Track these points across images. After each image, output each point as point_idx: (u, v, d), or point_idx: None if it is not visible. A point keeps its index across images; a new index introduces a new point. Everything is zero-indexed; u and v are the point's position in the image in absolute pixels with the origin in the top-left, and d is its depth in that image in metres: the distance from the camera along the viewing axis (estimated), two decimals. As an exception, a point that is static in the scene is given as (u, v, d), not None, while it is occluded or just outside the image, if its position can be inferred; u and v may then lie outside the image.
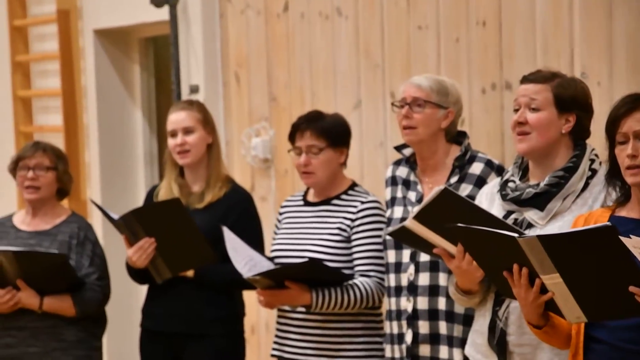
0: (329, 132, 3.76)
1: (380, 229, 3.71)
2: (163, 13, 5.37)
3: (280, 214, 3.95)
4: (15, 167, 4.17)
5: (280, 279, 3.64)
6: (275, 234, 3.93)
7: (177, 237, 3.89)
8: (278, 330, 3.85)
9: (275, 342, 3.86)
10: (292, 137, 3.80)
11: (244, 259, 3.70)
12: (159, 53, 6.15)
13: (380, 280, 3.68)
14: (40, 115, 6.57)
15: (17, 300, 4.02)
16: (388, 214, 3.63)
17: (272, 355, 3.89)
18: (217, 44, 5.27)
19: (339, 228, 3.73)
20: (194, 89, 5.32)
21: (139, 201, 6.18)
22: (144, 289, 6.07)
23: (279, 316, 3.85)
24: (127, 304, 6.02)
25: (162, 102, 6.19)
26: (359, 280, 3.67)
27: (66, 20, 6.04)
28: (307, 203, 3.87)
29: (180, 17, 5.33)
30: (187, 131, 4.05)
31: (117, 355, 5.92)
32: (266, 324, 5.02)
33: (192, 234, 3.88)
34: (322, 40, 4.72)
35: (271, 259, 3.81)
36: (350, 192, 3.81)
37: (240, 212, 4.00)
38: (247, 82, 5.16)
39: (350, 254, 3.72)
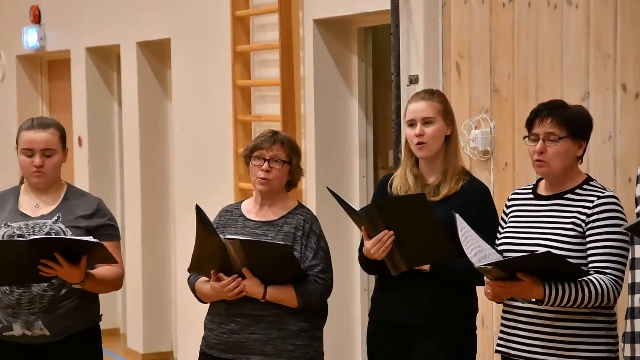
0: (571, 122, 3.63)
1: (618, 225, 3.55)
2: (384, 3, 5.34)
3: (508, 206, 3.84)
4: (250, 155, 4.19)
5: (511, 271, 3.54)
6: (502, 227, 3.82)
7: (418, 231, 3.83)
8: (504, 325, 3.75)
9: (501, 338, 3.77)
10: (530, 124, 3.68)
11: (474, 249, 3.62)
12: (377, 43, 6.13)
13: (616, 278, 3.53)
14: (258, 105, 6.67)
15: (241, 288, 4.05)
16: (638, 209, 3.46)
17: (497, 351, 3.80)
18: (439, 34, 5.20)
19: (573, 223, 3.60)
20: (413, 80, 5.27)
21: (354, 191, 6.20)
22: (359, 279, 6.11)
23: (505, 311, 3.75)
24: (345, 294, 6.05)
25: (379, 93, 6.18)
26: (594, 277, 3.53)
27: (287, 10, 6.10)
28: (537, 196, 3.75)
29: (402, 7, 5.28)
30: (426, 122, 4.00)
31: (335, 345, 5.95)
32: (481, 319, 4.92)
33: (433, 229, 3.80)
34: (550, 30, 4.58)
35: (500, 252, 3.71)
36: (585, 186, 3.67)
37: (478, 206, 3.91)
38: (467, 72, 5.07)
39: (584, 250, 3.58)
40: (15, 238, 4.10)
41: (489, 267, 3.53)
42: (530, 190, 3.80)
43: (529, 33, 4.69)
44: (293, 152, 4.18)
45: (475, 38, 5.00)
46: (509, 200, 3.85)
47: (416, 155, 4.03)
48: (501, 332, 3.76)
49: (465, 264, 3.68)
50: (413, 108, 4.03)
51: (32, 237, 4.00)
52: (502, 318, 3.76)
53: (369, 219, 3.88)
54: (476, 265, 3.56)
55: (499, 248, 3.73)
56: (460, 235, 3.66)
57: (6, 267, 4.01)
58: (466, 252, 3.61)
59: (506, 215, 3.83)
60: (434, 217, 3.80)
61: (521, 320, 3.67)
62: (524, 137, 3.72)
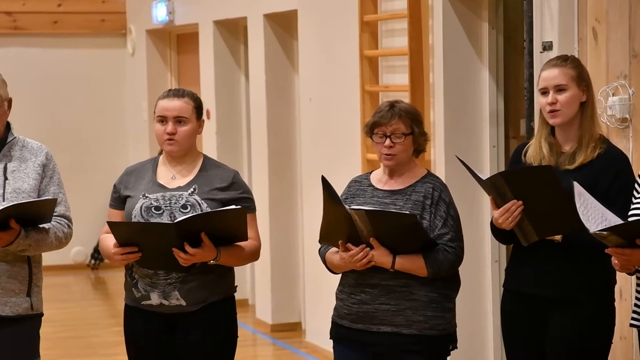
0: None
1: None
2: (517, -33, 5.20)
3: None
4: (371, 131, 4.14)
5: (631, 237, 3.42)
6: (635, 197, 3.69)
7: (546, 202, 3.75)
8: (638, 299, 3.64)
9: (635, 312, 3.66)
10: None
11: (596, 219, 3.51)
12: (508, 9, 5.98)
13: None
14: (386, 75, 6.60)
15: (370, 258, 4.01)
16: None
17: (632, 325, 3.68)
18: (574, -2, 5.05)
19: None
20: (547, 46, 5.12)
21: (484, 161, 6.08)
22: (490, 250, 6.00)
23: (639, 284, 3.63)
24: (475, 265, 5.95)
25: (510, 61, 6.03)
26: None
27: (416, -23, 6.00)
28: None
29: (536, -29, 5.14)
30: (559, 89, 3.90)
31: (466, 317, 5.86)
32: (620, 292, 4.75)
33: (561, 201, 3.72)
34: (695, -10, 4.39)
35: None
36: None
37: (614, 174, 3.80)
38: (605, 37, 4.89)
39: None
40: (152, 211, 4.15)
41: (605, 232, 3.43)
42: None
43: (671, -6, 4.51)
44: (413, 122, 4.10)
45: (613, 2, 4.82)
46: None
47: (550, 123, 3.94)
48: (635, 305, 3.66)
49: None
50: (545, 76, 3.95)
51: (178, 219, 4.00)
52: (637, 291, 3.65)
53: (496, 188, 3.82)
54: (591, 231, 3.46)
55: (631, 219, 3.60)
56: (577, 203, 3.56)
57: (153, 250, 4.05)
58: (583, 220, 3.51)
59: (639, 184, 3.71)
60: (562, 190, 3.71)
61: None
62: None
